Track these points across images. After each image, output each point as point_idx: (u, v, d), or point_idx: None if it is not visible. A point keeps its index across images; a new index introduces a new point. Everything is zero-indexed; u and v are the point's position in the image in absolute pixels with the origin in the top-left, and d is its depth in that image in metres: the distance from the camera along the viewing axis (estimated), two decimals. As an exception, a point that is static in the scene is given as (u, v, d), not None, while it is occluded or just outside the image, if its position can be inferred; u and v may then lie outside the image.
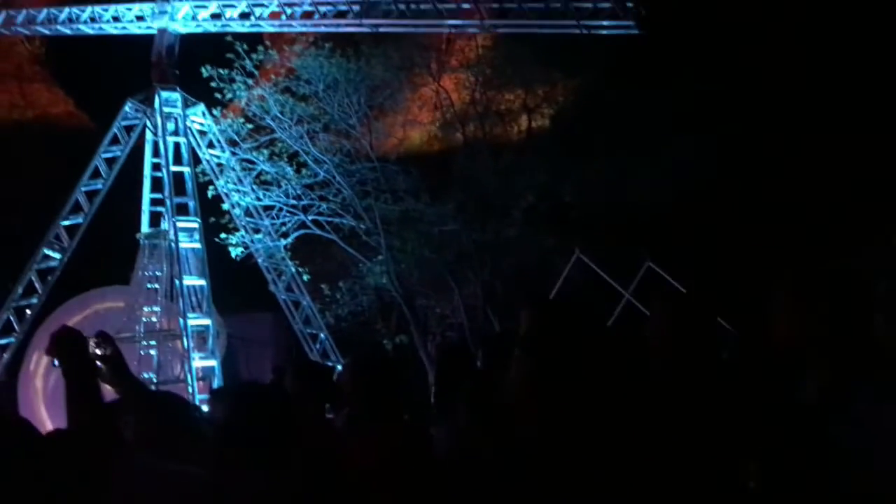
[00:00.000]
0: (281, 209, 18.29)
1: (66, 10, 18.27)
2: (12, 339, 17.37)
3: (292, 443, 3.82)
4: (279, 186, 18.31)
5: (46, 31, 18.68)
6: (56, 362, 4.07)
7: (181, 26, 17.88)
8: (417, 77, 20.17)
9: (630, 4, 14.40)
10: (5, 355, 17.35)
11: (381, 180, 18.34)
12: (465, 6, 16.23)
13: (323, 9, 17.40)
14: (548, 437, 3.79)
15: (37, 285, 17.46)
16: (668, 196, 18.12)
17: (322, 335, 18.43)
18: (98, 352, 4.21)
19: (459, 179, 18.43)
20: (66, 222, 17.65)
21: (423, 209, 18.11)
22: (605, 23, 14.84)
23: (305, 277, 18.57)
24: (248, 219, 18.31)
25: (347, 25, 17.34)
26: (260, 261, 18.37)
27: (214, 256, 17.72)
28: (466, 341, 16.25)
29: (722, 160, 17.41)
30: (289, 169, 18.33)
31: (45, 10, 18.31)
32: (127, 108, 17.92)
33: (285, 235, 18.37)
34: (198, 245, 17.31)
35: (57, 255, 17.55)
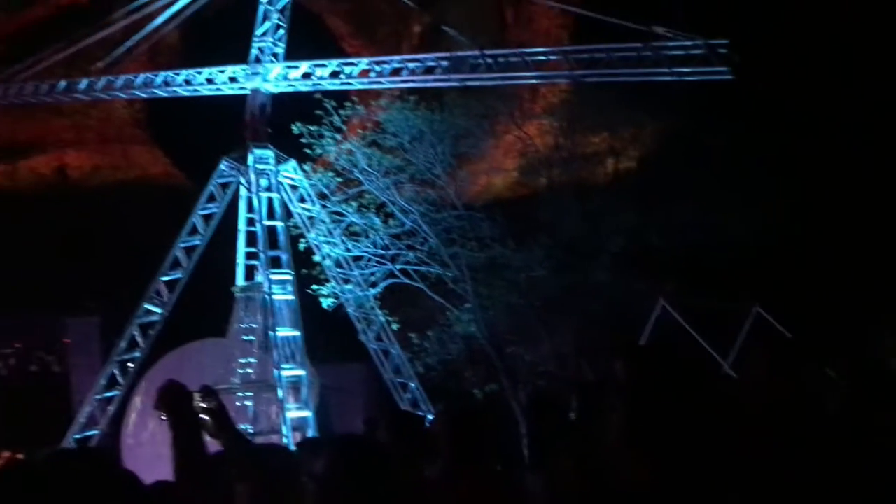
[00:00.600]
0: (369, 259, 18.56)
1: (162, 73, 19.22)
2: (117, 392, 18.02)
3: (390, 495, 3.81)
4: (367, 237, 18.60)
5: (143, 95, 19.65)
6: (163, 416, 4.20)
7: (273, 86, 18.58)
8: (501, 124, 20.34)
9: (723, 50, 14.29)
10: (110, 408, 17.99)
11: (466, 228, 18.43)
12: (553, 57, 16.35)
13: (411, 65, 17.85)
14: (652, 486, 3.71)
15: (139, 339, 18.12)
16: (761, 239, 17.66)
17: (412, 384, 18.46)
18: (203, 405, 4.32)
19: (546, 224, 18.35)
20: (166, 277, 18.33)
21: (510, 255, 18.07)
22: (697, 69, 14.76)
23: (394, 326, 18.71)
24: (338, 270, 18.63)
25: (436, 81, 17.71)
26: (350, 311, 18.62)
27: (306, 307, 18.08)
28: (558, 390, 16.00)
29: (814, 202, 16.92)
30: (376, 220, 18.62)
31: (142, 75, 19.28)
32: (222, 166, 18.61)
33: (374, 285, 18.59)
34: (291, 297, 17.70)
35: (158, 310, 18.21)
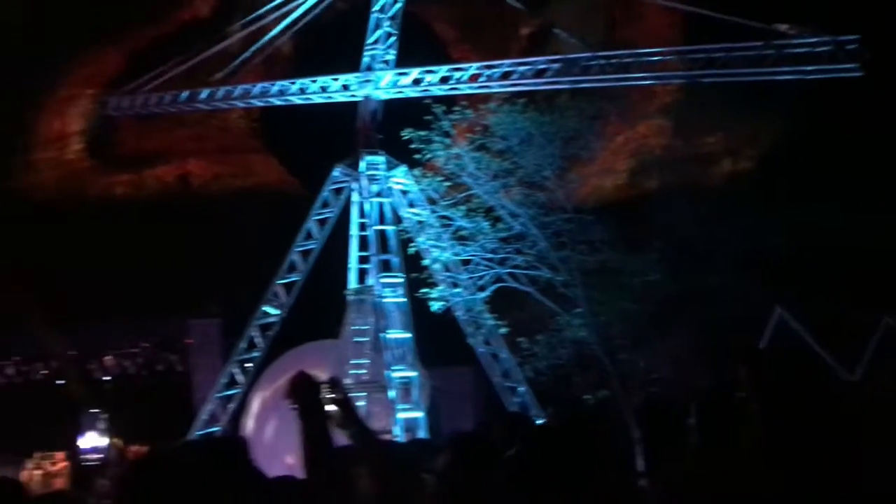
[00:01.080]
0: (478, 263, 18.57)
1: (278, 83, 19.86)
2: (237, 391, 18.70)
3: (504, 493, 3.82)
4: (476, 241, 18.62)
5: (260, 103, 20.36)
6: (292, 406, 4.28)
7: (384, 93, 18.90)
8: (612, 125, 19.99)
9: (852, 47, 13.61)
10: (230, 406, 18.68)
11: (576, 231, 18.18)
12: (668, 57, 15.98)
13: (521, 69, 17.81)
14: (786, 496, 3.61)
15: (257, 340, 18.73)
16: (890, 244, 16.68)
17: (521, 388, 18.35)
18: (330, 396, 4.38)
19: (659, 227, 17.89)
20: (283, 280, 18.89)
21: (622, 259, 17.70)
22: (823, 67, 14.12)
23: (503, 330, 18.64)
24: (446, 273, 18.74)
25: (546, 83, 17.60)
26: (459, 314, 18.68)
27: (416, 310, 18.26)
28: (674, 396, 15.53)
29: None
30: (485, 223, 18.62)
31: (259, 85, 19.97)
32: (335, 173, 19.06)
33: (482, 289, 18.59)
34: (402, 299, 17.93)
35: (275, 312, 18.79)
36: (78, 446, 20.54)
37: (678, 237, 17.81)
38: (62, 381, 22.70)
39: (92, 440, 20.64)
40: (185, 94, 19.70)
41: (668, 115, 20.29)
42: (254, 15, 20.41)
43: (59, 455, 21.13)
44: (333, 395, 4.36)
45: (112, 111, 20.82)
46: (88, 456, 20.50)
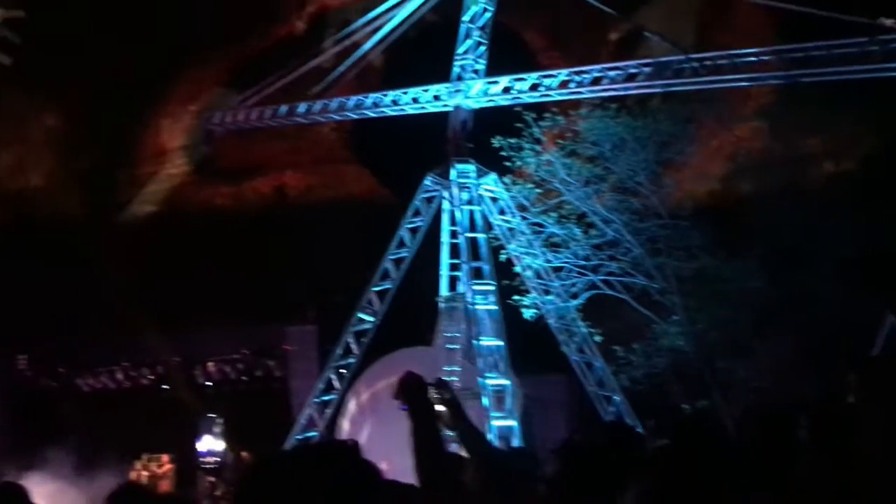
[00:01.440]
0: (570, 270, 18.45)
1: (372, 95, 20.23)
2: (334, 396, 19.10)
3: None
4: (568, 248, 18.52)
5: (355, 116, 20.76)
6: (402, 406, 4.35)
7: (474, 102, 19.01)
8: (707, 128, 19.55)
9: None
10: (327, 411, 19.08)
11: (672, 237, 17.86)
12: (764, 57, 15.55)
13: (612, 74, 17.64)
14: None
15: (353, 346, 19.10)
16: None
17: (616, 397, 18.09)
18: (439, 396, 4.44)
19: (758, 232, 17.39)
20: (377, 288, 19.20)
21: (720, 265, 17.28)
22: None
23: (597, 338, 18.44)
24: (538, 281, 18.68)
25: (637, 87, 17.39)
26: (551, 322, 18.58)
27: (508, 318, 18.25)
28: (778, 407, 15.05)
29: None
30: (577, 230, 18.50)
31: (353, 97, 20.40)
32: (426, 182, 19.27)
33: (575, 296, 18.46)
34: (493, 307, 17.96)
35: (370, 319, 19.13)
36: (195, 449, 21.32)
37: (778, 242, 17.27)
38: (167, 387, 23.65)
39: (208, 443, 21.40)
40: (283, 108, 20.32)
41: (765, 117, 19.70)
42: (346, 31, 20.88)
43: (165, 458, 22.03)
44: (442, 395, 4.42)
45: (216, 126, 21.62)
46: (205, 459, 21.25)
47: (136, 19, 26.59)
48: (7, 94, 27.45)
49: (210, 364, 23.52)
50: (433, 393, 4.45)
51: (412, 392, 4.30)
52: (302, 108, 20.19)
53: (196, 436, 21.43)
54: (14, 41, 28.43)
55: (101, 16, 26.63)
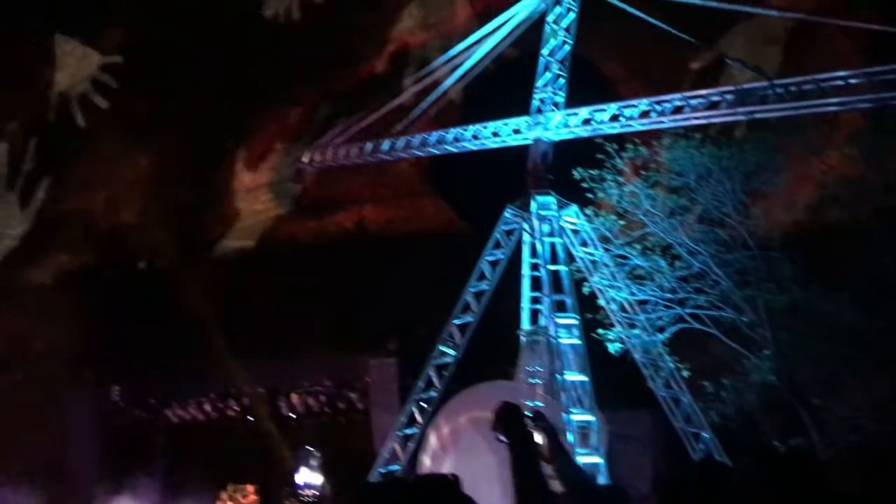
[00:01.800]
0: (656, 303, 18.08)
1: (453, 130, 20.40)
2: (416, 430, 19.08)
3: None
4: (653, 280, 18.16)
5: (437, 151, 20.96)
6: (501, 438, 4.29)
7: (554, 134, 18.98)
8: (796, 156, 19.01)
9: None
10: (410, 445, 19.06)
11: (762, 269, 17.34)
12: (853, 81, 15.09)
13: (694, 102, 17.39)
14: None
15: (434, 380, 19.09)
16: None
17: (705, 434, 17.54)
18: (536, 428, 4.37)
19: (854, 262, 16.73)
20: (458, 321, 19.19)
21: (813, 298, 16.66)
22: None
23: (684, 373, 17.96)
24: (623, 314, 18.35)
25: (721, 116, 17.09)
26: (637, 356, 18.20)
27: (592, 352, 17.97)
28: (882, 445, 14.33)
29: None
30: (662, 262, 18.13)
31: (435, 133, 20.62)
32: (506, 214, 19.25)
33: (661, 330, 18.05)
34: (577, 341, 17.71)
35: (451, 352, 19.11)
36: (279, 480, 21.57)
37: (873, 272, 16.57)
38: (253, 418, 24.08)
39: (305, 476, 21.63)
40: (369, 146, 20.72)
41: (856, 143, 19.04)
42: (426, 70, 21.23)
43: (250, 488, 22.38)
44: (539, 427, 4.35)
45: (306, 165, 22.21)
46: (303, 492, 21.46)
47: (224, 60, 27.66)
48: (102, 135, 28.85)
49: (294, 395, 23.87)
50: (530, 424, 4.39)
51: (511, 423, 4.24)
52: (386, 145, 20.55)
53: (283, 467, 21.72)
54: (110, 85, 29.97)
55: (191, 58, 27.80)
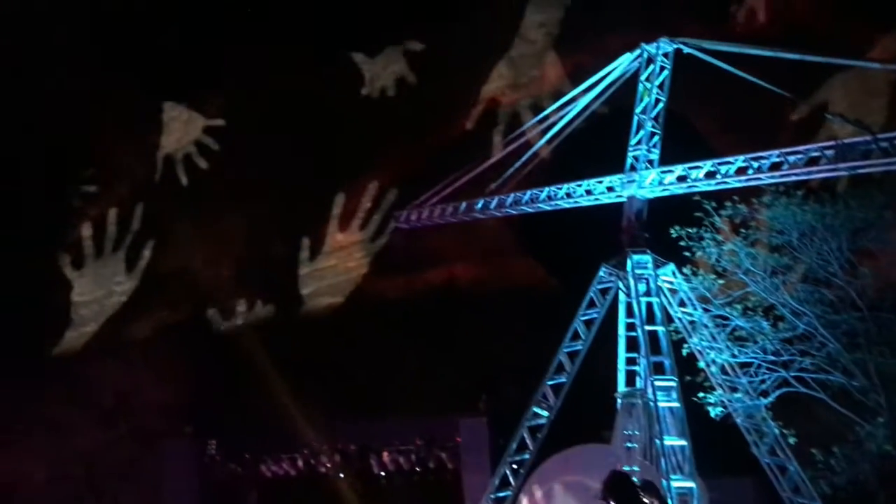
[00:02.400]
0: (759, 366, 17.41)
1: (546, 189, 20.42)
2: (509, 493, 18.76)
3: None
4: (755, 342, 17.51)
5: (530, 210, 20.98)
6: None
7: (649, 192, 18.80)
8: (909, 211, 18.20)
9: None
10: (503, 508, 18.75)
11: (872, 331, 16.52)
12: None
13: (792, 158, 16.98)
14: None
15: (528, 441, 18.81)
16: None
17: (814, 506, 16.66)
18: (645, 500, 4.24)
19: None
20: (552, 382, 18.94)
21: (932, 362, 15.77)
22: None
23: (791, 440, 17.17)
24: (724, 377, 17.75)
25: (821, 172, 16.61)
26: (739, 421, 17.54)
27: (692, 416, 17.40)
28: None
29: None
30: (764, 323, 17.49)
31: (528, 192, 20.68)
32: (601, 273, 19.04)
33: (765, 394, 17.35)
34: (676, 404, 17.21)
35: (545, 413, 18.83)
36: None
37: None
38: (344, 475, 24.15)
39: None
40: (462, 204, 21.01)
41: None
42: (519, 130, 21.48)
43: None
44: (650, 498, 4.24)
45: (401, 224, 22.64)
46: None
47: (317, 120, 28.67)
48: (203, 194, 30.13)
49: (385, 454, 23.86)
50: (642, 494, 4.27)
51: (620, 493, 4.14)
52: (479, 204, 20.79)
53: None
54: (211, 147, 31.40)
55: (286, 117, 28.93)
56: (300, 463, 24.58)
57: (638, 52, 19.19)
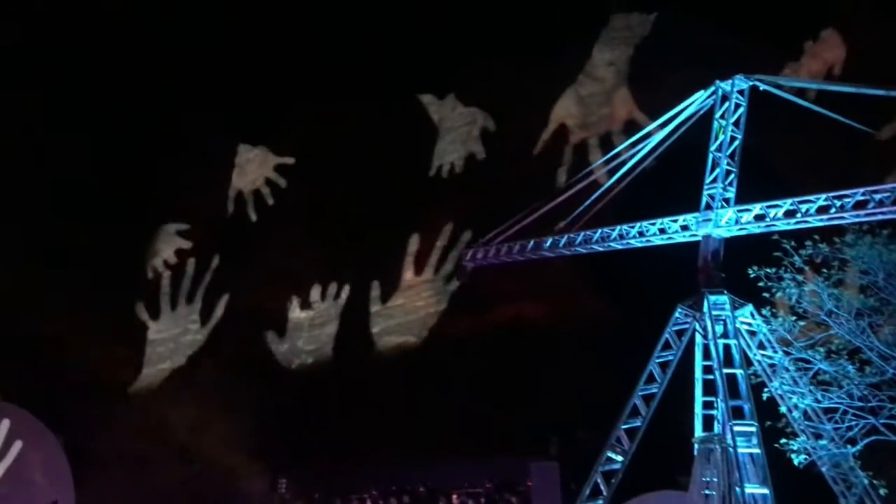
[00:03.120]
0: (845, 412, 16.62)
1: (617, 227, 20.16)
2: (583, 538, 18.33)
3: None
4: (840, 387, 16.74)
5: (600, 248, 20.73)
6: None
7: (725, 231, 18.39)
8: None
9: None
10: (577, 555, 18.28)
11: (969, 377, 15.68)
12: None
13: (878, 196, 16.43)
14: None
15: (601, 487, 18.35)
16: None
17: (912, 562, 15.74)
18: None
19: None
20: (626, 426, 18.50)
21: None
22: None
23: (882, 490, 16.30)
24: (807, 422, 17.03)
25: (909, 211, 16.01)
26: (825, 470, 16.79)
27: (774, 463, 16.72)
28: None
29: None
30: (850, 367, 16.72)
31: (599, 230, 20.45)
32: (677, 314, 18.63)
33: (853, 441, 16.53)
34: (757, 450, 16.61)
35: (619, 458, 18.38)
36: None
37: None
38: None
39: None
40: (530, 243, 20.87)
41: None
42: (588, 169, 21.33)
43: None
44: None
45: (469, 263, 22.60)
46: None
47: (384, 160, 29.12)
48: (269, 231, 30.84)
49: (454, 496, 23.61)
50: None
51: None
52: (548, 242, 20.60)
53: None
54: (279, 184, 32.17)
55: (356, 156, 29.47)
56: (369, 503, 24.49)
57: (712, 89, 18.95)
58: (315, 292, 29.93)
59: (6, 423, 22.90)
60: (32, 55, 31.28)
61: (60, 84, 31.02)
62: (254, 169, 31.65)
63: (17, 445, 22.72)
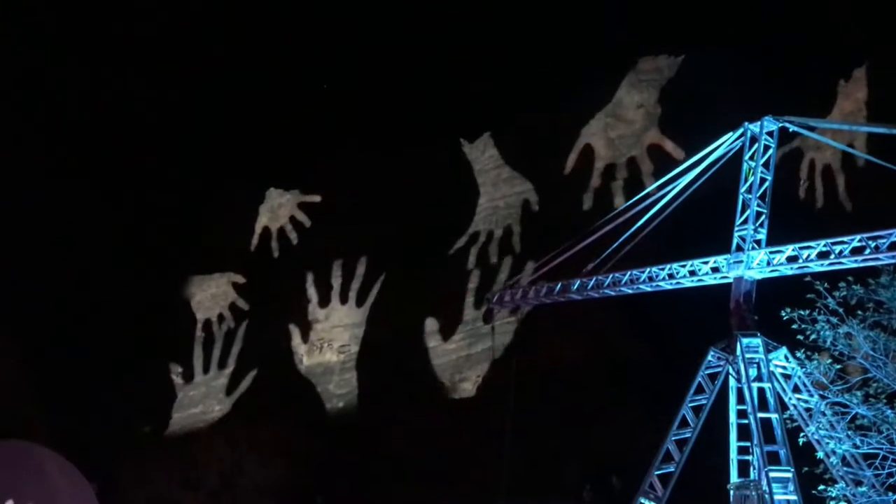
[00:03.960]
0: (885, 457, 16.22)
1: (647, 269, 20.00)
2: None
3: None
4: (879, 431, 16.36)
5: (629, 291, 20.57)
6: None
7: (757, 273, 18.20)
8: None
9: None
10: None
11: None
12: None
13: (914, 237, 16.18)
14: None
15: (636, 534, 18.02)
16: None
17: None
18: None
19: None
20: (659, 471, 18.19)
21: None
22: None
23: (928, 541, 15.79)
24: (846, 468, 16.63)
25: (946, 251, 15.74)
26: (866, 517, 16.29)
27: (812, 510, 16.32)
28: None
29: None
30: (889, 412, 16.35)
31: (628, 272, 20.33)
32: (710, 357, 18.40)
33: (894, 488, 16.10)
34: (793, 497, 16.24)
35: (652, 504, 18.05)
36: None
37: None
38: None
39: None
40: (559, 285, 20.80)
41: None
42: (617, 210, 21.33)
43: None
44: None
45: (495, 304, 22.59)
46: None
47: (411, 200, 29.43)
48: (290, 266, 31.24)
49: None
50: None
51: None
52: (576, 284, 20.49)
53: None
54: (303, 223, 32.62)
55: (383, 194, 29.84)
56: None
57: (741, 130, 18.92)
58: (346, 335, 30.08)
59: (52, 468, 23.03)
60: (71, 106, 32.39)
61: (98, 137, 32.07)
62: (283, 214, 32.18)
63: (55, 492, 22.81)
